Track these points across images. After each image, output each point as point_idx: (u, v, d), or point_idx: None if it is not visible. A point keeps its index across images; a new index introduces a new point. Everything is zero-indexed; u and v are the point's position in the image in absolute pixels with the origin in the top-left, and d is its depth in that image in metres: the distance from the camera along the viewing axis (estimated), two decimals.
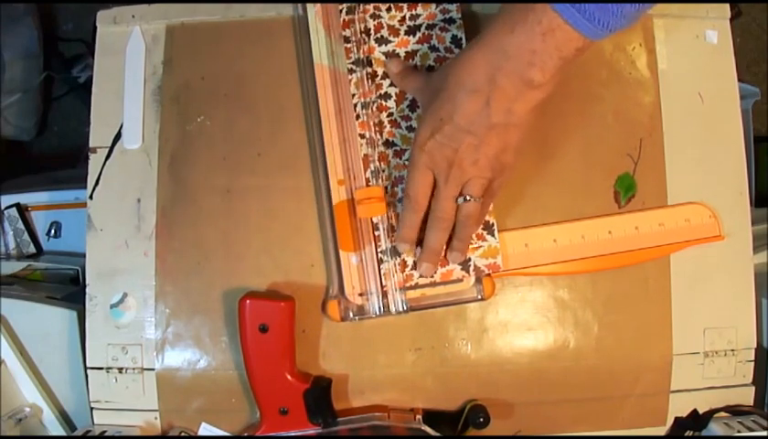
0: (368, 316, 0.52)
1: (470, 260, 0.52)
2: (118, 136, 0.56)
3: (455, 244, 0.50)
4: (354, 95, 0.53)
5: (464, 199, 0.47)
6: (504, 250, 0.53)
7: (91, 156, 0.56)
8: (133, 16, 0.56)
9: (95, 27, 0.57)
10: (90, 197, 0.55)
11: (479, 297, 0.53)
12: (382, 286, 0.52)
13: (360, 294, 0.52)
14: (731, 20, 0.57)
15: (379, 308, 0.52)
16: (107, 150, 0.56)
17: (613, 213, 0.55)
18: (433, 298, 0.53)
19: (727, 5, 0.57)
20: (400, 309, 0.52)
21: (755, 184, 0.85)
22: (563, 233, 0.54)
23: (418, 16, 0.53)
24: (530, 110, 0.44)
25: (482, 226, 0.52)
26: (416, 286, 0.52)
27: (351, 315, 0.53)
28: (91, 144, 0.56)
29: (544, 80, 0.42)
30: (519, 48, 0.41)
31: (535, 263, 0.53)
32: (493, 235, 0.52)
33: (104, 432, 0.53)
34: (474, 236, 0.52)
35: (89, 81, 0.56)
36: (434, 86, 0.46)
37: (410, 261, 0.52)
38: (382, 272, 0.52)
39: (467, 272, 0.52)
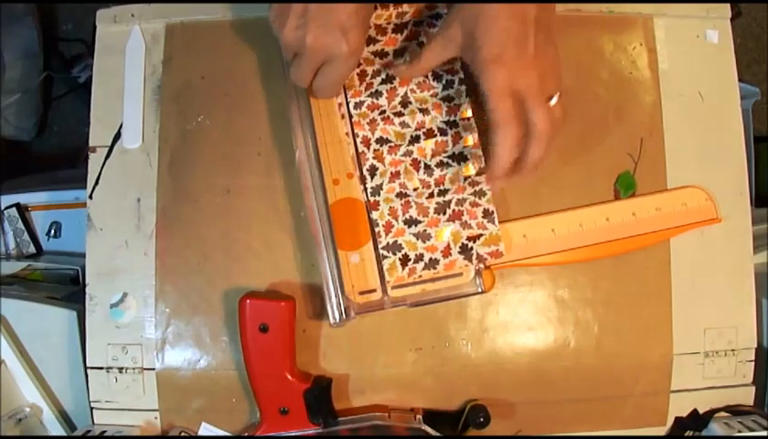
0: (368, 312, 0.52)
1: (472, 249, 0.52)
2: (118, 136, 0.56)
3: (534, 153, 0.46)
4: (346, 94, 0.52)
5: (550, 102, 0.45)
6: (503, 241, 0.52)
7: (91, 156, 0.56)
8: (133, 15, 0.56)
9: (95, 27, 0.57)
10: (90, 196, 0.55)
11: (479, 290, 0.53)
12: (382, 283, 0.52)
13: (360, 293, 0.52)
14: (732, 20, 0.58)
15: (379, 305, 0.52)
16: (107, 149, 0.56)
17: (610, 200, 0.55)
18: (434, 293, 0.52)
19: (727, 5, 0.57)
20: (401, 305, 0.52)
21: (755, 184, 0.85)
22: (561, 222, 0.54)
23: (404, 13, 0.53)
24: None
25: (482, 214, 0.52)
26: (416, 282, 0.52)
27: (351, 313, 0.52)
28: (91, 143, 0.56)
29: None
30: None
31: (534, 254, 0.53)
32: (493, 223, 0.52)
33: (104, 432, 0.53)
34: (474, 225, 0.52)
35: (89, 81, 0.56)
36: (471, 37, 0.45)
37: (412, 255, 0.52)
38: (383, 269, 0.52)
39: (470, 261, 0.52)
